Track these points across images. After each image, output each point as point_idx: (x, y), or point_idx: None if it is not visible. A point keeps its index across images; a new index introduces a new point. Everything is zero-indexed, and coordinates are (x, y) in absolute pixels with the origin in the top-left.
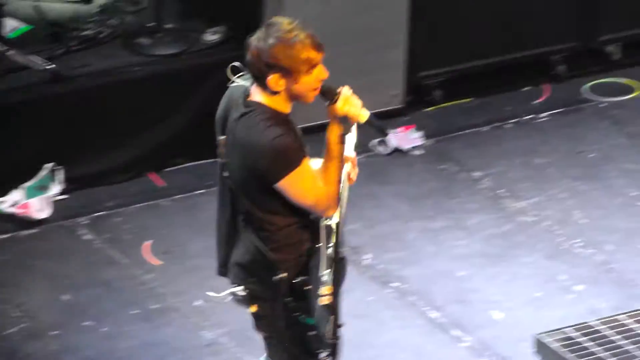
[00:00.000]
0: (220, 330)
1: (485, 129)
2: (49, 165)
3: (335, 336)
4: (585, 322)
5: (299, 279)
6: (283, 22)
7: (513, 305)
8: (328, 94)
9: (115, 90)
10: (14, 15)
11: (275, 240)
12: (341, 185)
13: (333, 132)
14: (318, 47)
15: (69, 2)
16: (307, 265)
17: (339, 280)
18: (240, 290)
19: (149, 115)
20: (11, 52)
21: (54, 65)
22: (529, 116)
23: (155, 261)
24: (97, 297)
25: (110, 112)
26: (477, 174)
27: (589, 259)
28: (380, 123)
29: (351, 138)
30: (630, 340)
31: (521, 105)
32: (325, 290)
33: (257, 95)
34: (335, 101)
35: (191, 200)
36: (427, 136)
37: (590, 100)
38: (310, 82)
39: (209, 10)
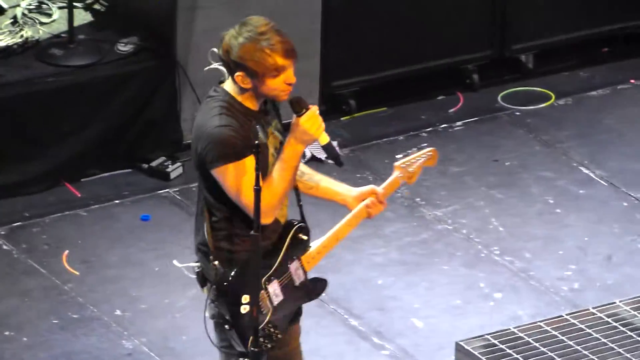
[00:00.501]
0: (141, 340)
1: (400, 137)
2: None
3: (257, 345)
4: (506, 329)
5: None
6: (258, 23)
7: (433, 313)
8: (297, 105)
9: (30, 101)
10: None
11: (218, 228)
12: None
13: (289, 144)
14: (287, 53)
15: None
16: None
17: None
18: (195, 267)
19: (64, 125)
20: None
21: None
22: (444, 125)
23: (73, 271)
24: (16, 307)
25: (25, 123)
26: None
27: (507, 267)
28: (337, 152)
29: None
30: (549, 347)
31: (436, 114)
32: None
33: (228, 83)
34: (301, 115)
35: (107, 210)
36: (342, 145)
37: (504, 109)
38: (277, 85)
39: (121, 22)
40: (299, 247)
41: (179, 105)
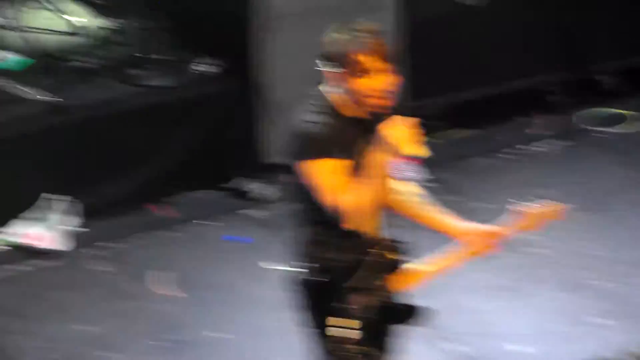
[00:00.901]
0: None
1: (480, 158)
2: (56, 196)
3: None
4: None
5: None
6: (364, 24)
7: (529, 339)
8: (386, 113)
9: (112, 121)
10: (8, 47)
11: (310, 233)
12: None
13: (374, 151)
14: (374, 54)
15: (57, 33)
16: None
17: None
18: (287, 269)
19: (148, 146)
20: (7, 84)
21: (51, 97)
22: (523, 145)
23: (170, 292)
24: (110, 328)
25: (109, 143)
26: (474, 204)
27: (610, 292)
28: (419, 169)
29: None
30: None
31: (515, 135)
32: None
33: (326, 87)
34: (386, 121)
35: (198, 229)
36: (429, 166)
37: (586, 130)
38: (362, 87)
39: (201, 42)
40: (387, 266)
41: (257, 125)
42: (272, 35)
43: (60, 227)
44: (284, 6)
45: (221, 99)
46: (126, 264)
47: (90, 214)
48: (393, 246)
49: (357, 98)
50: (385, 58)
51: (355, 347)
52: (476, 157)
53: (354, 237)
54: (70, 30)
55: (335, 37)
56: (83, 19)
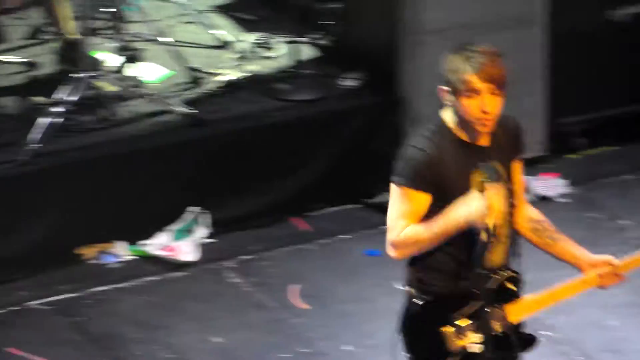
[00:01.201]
0: None
1: (632, 176)
2: (195, 208)
3: None
4: None
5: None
6: (481, 45)
7: None
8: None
9: (255, 135)
10: (153, 60)
11: (422, 257)
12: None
13: (449, 209)
14: (487, 77)
15: (205, 47)
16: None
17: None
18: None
19: (288, 160)
20: (152, 96)
21: (194, 110)
22: None
23: (302, 305)
24: (246, 339)
25: (251, 156)
26: (624, 222)
27: None
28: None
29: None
30: None
31: None
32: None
33: (443, 110)
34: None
35: (335, 245)
36: (572, 184)
37: None
38: (471, 109)
39: (345, 56)
40: (505, 296)
41: (401, 140)
42: (418, 50)
43: (200, 239)
44: (431, 22)
45: (366, 113)
46: (260, 276)
47: (226, 226)
48: (512, 276)
49: (466, 119)
50: (497, 81)
51: None
52: (626, 175)
53: (472, 266)
54: (217, 44)
55: (450, 58)
56: (230, 33)
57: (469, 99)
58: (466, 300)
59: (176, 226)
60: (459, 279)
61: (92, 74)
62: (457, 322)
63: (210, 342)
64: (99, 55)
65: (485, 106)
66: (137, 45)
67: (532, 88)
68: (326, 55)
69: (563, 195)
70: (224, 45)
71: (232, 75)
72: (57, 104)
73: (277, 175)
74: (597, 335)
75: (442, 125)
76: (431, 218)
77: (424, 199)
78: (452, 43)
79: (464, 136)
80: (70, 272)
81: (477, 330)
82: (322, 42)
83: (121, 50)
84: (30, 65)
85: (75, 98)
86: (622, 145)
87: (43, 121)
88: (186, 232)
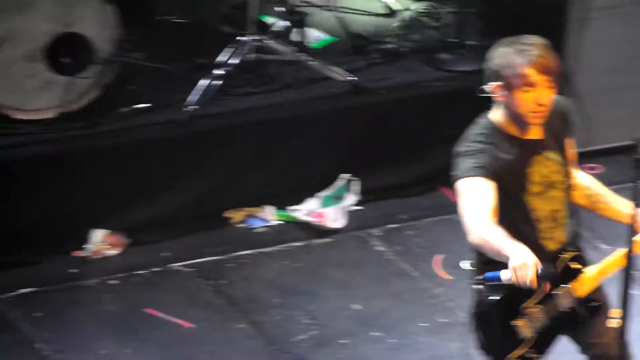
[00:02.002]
0: None
1: None
2: (346, 175)
3: None
4: None
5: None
6: (532, 38)
7: None
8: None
9: (414, 105)
10: (318, 26)
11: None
12: None
13: (512, 246)
14: (544, 69)
15: (372, 15)
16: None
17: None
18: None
19: (445, 131)
20: (313, 62)
21: (355, 78)
22: None
23: (445, 275)
24: (386, 308)
25: (407, 126)
26: None
27: None
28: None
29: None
30: None
31: None
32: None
33: (493, 111)
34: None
35: None
36: None
37: None
38: (526, 102)
39: (510, 29)
40: (571, 275)
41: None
42: (585, 25)
43: (348, 206)
44: None
45: None
46: (404, 245)
47: (375, 195)
48: (576, 255)
49: (519, 113)
50: (552, 73)
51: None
52: None
53: (536, 252)
54: (384, 12)
55: (502, 51)
56: (397, 1)
57: (525, 92)
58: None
59: (325, 193)
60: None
61: (258, 37)
62: (527, 312)
63: (350, 309)
64: (267, 19)
65: (542, 99)
66: (304, 10)
67: None
68: (492, 26)
69: None
70: (390, 14)
71: (396, 44)
72: (220, 66)
73: (432, 145)
74: None
75: (490, 124)
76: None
77: (489, 186)
78: (619, 20)
79: (515, 131)
80: (216, 235)
81: (545, 313)
82: (490, 13)
83: (288, 15)
84: (197, 26)
85: (238, 61)
86: None
87: (204, 83)
88: (335, 199)
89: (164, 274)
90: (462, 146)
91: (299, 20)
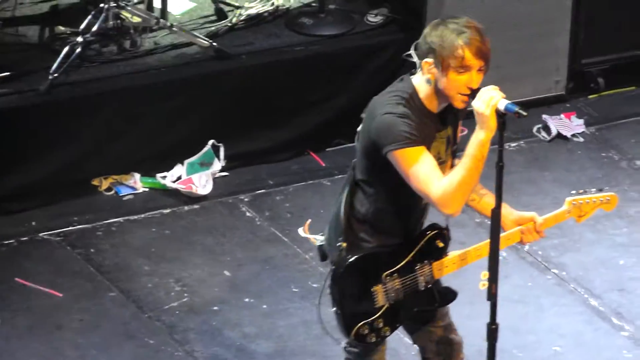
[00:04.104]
0: None
1: None
2: (211, 141)
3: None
4: None
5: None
6: (466, 19)
7: None
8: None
9: (278, 70)
10: None
11: (362, 213)
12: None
13: (475, 133)
14: (480, 53)
15: None
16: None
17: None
18: (320, 240)
19: (310, 95)
20: (175, 28)
21: (216, 44)
22: None
23: (315, 240)
24: (257, 274)
25: (272, 91)
26: (639, 162)
27: None
28: (516, 110)
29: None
30: None
31: None
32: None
33: (417, 76)
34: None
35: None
36: (589, 124)
37: None
38: (458, 83)
39: None
40: (434, 252)
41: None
42: None
43: (215, 172)
44: None
45: (390, 50)
46: (273, 211)
47: (242, 160)
48: (441, 233)
49: (447, 93)
50: (487, 58)
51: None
52: (638, 116)
53: (405, 224)
54: None
55: (440, 29)
56: None
57: (459, 74)
58: (396, 257)
59: (192, 159)
60: (393, 236)
61: (116, 4)
62: (386, 279)
63: (221, 275)
64: None
65: (473, 83)
66: None
67: (560, 27)
68: None
69: (579, 135)
70: None
71: (257, 8)
72: (79, 33)
73: (297, 110)
74: (606, 274)
75: (413, 93)
76: (392, 183)
77: (426, 151)
78: None
79: (432, 106)
80: (83, 204)
81: (403, 286)
82: None
83: None
84: None
85: (97, 28)
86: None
87: (64, 51)
88: (202, 165)
89: (32, 243)
90: (387, 106)
91: None
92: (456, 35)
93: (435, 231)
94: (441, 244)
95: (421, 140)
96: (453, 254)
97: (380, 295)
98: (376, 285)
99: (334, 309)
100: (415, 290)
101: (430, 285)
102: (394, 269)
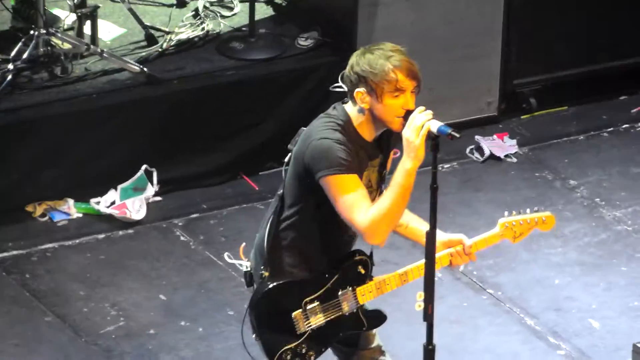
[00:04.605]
0: None
1: (581, 137)
2: (144, 166)
3: None
4: None
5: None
6: (389, 45)
7: (610, 314)
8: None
9: (209, 94)
10: (109, 18)
11: (286, 239)
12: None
13: (402, 162)
14: (411, 74)
15: (163, 5)
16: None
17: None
18: (245, 266)
19: (243, 119)
20: (106, 55)
21: (146, 70)
22: (626, 125)
23: (241, 266)
24: (192, 297)
25: (204, 116)
26: (573, 182)
27: None
28: (450, 132)
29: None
30: None
31: (618, 114)
32: None
33: (349, 105)
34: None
35: None
36: (522, 144)
37: None
38: (394, 107)
39: (301, 16)
40: (356, 278)
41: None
42: (377, 9)
43: (148, 197)
44: None
45: (322, 73)
46: (207, 235)
47: (176, 185)
48: (363, 259)
49: (383, 119)
50: (418, 78)
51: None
52: (575, 136)
53: (332, 252)
54: (172, 2)
55: (368, 57)
56: None
57: (394, 98)
58: (317, 284)
59: (125, 184)
60: (315, 263)
61: (46, 31)
62: (306, 305)
63: (156, 299)
64: (55, 12)
65: (409, 104)
66: (93, 2)
67: (492, 48)
68: (283, 14)
69: (512, 155)
70: (179, 4)
71: (187, 33)
72: (10, 61)
73: (230, 134)
74: (542, 294)
75: (348, 122)
76: (320, 210)
77: (358, 178)
78: (410, 3)
79: (366, 135)
80: (18, 229)
81: (325, 312)
82: (279, 0)
83: (77, 8)
84: None
85: (28, 55)
86: (572, 106)
87: None
88: (135, 190)
89: None
90: (323, 138)
91: (90, 12)
92: (385, 60)
93: (358, 257)
94: (363, 270)
95: (355, 168)
96: (379, 278)
97: (301, 321)
98: (296, 312)
99: (253, 335)
100: (339, 315)
101: (355, 310)
102: (315, 295)
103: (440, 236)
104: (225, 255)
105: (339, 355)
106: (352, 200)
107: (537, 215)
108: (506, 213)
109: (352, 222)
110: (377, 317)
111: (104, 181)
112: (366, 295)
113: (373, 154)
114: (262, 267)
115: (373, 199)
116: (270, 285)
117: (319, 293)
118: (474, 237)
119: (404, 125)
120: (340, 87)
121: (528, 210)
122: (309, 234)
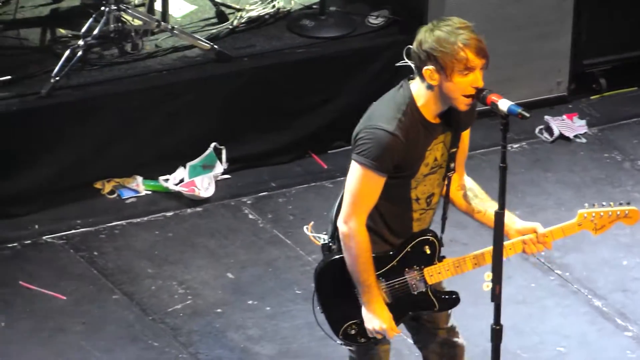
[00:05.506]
0: None
1: None
2: (213, 144)
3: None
4: None
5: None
6: (457, 20)
7: None
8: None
9: (279, 72)
10: None
11: None
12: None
13: (373, 299)
14: (480, 52)
15: None
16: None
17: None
18: (323, 239)
19: (311, 97)
20: (177, 31)
21: (217, 47)
22: None
23: (317, 242)
24: (260, 276)
25: (273, 93)
26: None
27: None
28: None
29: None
30: None
31: None
32: None
33: (415, 83)
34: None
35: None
36: (591, 124)
37: None
38: (463, 85)
39: None
40: (422, 258)
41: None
42: None
43: (217, 175)
44: None
45: (392, 52)
46: (276, 213)
47: (245, 163)
48: (432, 240)
49: (452, 97)
50: (487, 56)
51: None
52: None
53: (397, 228)
54: None
55: (436, 34)
56: None
57: (464, 76)
58: (383, 261)
59: (194, 162)
60: (383, 240)
61: (117, 7)
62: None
63: (224, 277)
64: None
65: (478, 82)
66: None
67: (562, 28)
68: None
69: (581, 136)
70: None
71: (258, 10)
72: (81, 37)
73: (299, 112)
74: (609, 275)
75: (411, 103)
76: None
77: (381, 182)
78: None
79: (430, 114)
80: (86, 207)
81: (390, 289)
82: None
83: None
84: None
85: (99, 31)
86: None
87: (66, 54)
88: (204, 167)
89: (35, 247)
90: (379, 128)
91: None
92: (454, 38)
93: (424, 237)
94: (429, 251)
95: (385, 171)
96: (450, 260)
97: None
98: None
99: (318, 307)
100: (408, 293)
101: (424, 290)
102: (380, 271)
103: (516, 223)
104: (304, 228)
105: (410, 331)
106: (359, 199)
107: (620, 209)
108: (586, 205)
109: (342, 213)
110: (450, 299)
111: (172, 159)
112: (434, 276)
113: (438, 132)
114: (330, 240)
115: (438, 176)
116: (337, 257)
117: (384, 270)
118: (548, 226)
119: (469, 105)
120: (406, 63)
121: (612, 203)
122: (375, 210)
